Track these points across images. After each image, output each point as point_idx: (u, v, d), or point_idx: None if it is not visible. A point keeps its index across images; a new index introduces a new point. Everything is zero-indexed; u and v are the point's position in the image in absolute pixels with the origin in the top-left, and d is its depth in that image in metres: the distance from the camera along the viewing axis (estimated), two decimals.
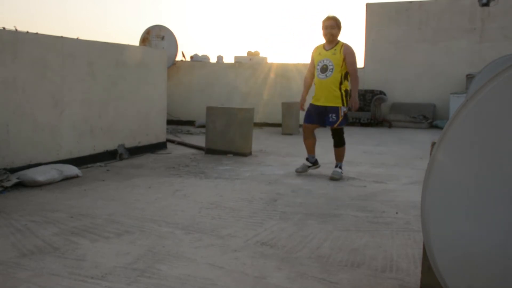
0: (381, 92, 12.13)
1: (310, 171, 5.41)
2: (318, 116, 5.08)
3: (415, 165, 5.98)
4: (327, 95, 4.98)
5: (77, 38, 5.39)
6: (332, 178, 5.00)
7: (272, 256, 2.71)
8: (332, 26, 4.96)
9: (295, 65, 10.81)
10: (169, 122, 9.22)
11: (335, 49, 4.98)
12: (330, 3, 26.91)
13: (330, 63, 4.96)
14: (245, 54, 12.13)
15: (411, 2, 12.57)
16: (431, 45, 12.37)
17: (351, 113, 11.84)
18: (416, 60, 12.50)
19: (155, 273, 2.42)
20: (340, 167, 5.14)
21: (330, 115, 4.98)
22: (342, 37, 6.28)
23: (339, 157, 5.17)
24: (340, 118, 4.98)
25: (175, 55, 11.37)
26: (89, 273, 2.41)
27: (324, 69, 4.98)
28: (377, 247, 2.90)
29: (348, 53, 4.94)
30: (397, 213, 3.70)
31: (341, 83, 4.95)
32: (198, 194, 4.23)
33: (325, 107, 5.00)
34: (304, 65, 10.94)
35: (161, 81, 6.82)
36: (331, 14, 5.04)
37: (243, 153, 6.45)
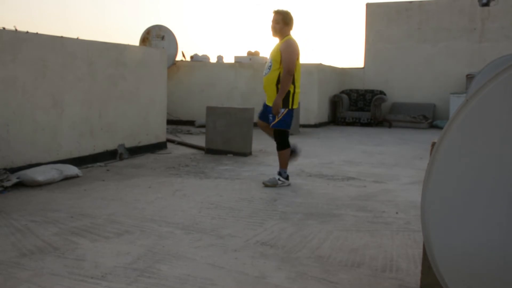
0: (381, 92, 12.13)
1: (309, 170, 5.40)
2: (264, 114, 4.81)
3: (415, 165, 5.98)
4: (268, 93, 4.67)
5: (77, 38, 5.39)
6: (264, 184, 4.62)
7: (272, 256, 2.71)
8: (276, 20, 4.57)
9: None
10: (169, 122, 9.22)
11: (277, 45, 4.60)
12: (331, 3, 26.90)
13: (270, 60, 4.61)
14: (245, 54, 12.13)
15: (411, 2, 12.57)
16: (431, 45, 12.37)
17: (351, 113, 11.86)
18: (416, 60, 12.50)
19: (155, 273, 2.42)
20: (280, 174, 4.64)
21: (269, 115, 4.63)
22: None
23: (281, 163, 4.68)
24: (277, 119, 4.55)
25: (175, 55, 11.36)
26: (89, 273, 2.41)
27: (266, 66, 4.67)
28: (377, 247, 2.90)
29: (283, 49, 4.48)
30: (397, 213, 3.70)
31: (278, 82, 4.53)
32: (198, 194, 4.23)
33: (267, 106, 4.70)
34: (304, 65, 10.96)
35: (161, 81, 6.82)
36: (280, 9, 4.62)
37: (243, 153, 6.45)
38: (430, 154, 1.78)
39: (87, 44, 5.45)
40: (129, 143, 6.13)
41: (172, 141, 7.62)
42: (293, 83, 4.57)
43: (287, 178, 4.67)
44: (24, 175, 4.34)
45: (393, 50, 12.74)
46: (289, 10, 4.65)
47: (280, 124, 4.59)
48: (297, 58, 4.55)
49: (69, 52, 5.17)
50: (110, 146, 5.83)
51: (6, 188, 4.13)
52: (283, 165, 4.67)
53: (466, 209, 1.61)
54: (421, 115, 11.56)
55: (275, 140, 4.70)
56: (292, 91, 4.57)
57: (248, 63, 11.45)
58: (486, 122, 1.57)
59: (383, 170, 5.62)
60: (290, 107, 4.60)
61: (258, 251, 2.80)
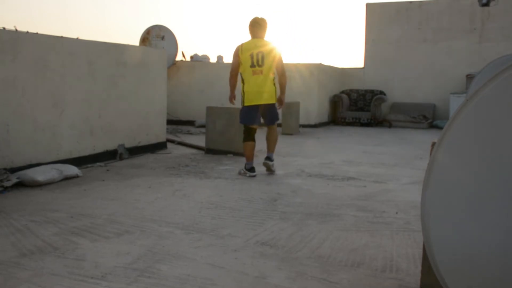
0: (381, 92, 12.13)
1: (309, 170, 5.40)
2: None
3: (415, 165, 5.98)
4: None
5: (77, 38, 5.39)
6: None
7: (272, 256, 2.71)
8: None
9: (295, 65, 10.81)
10: (169, 122, 9.22)
11: None
12: (331, 3, 26.92)
13: None
14: None
15: (411, 2, 12.57)
16: (431, 45, 12.37)
17: (351, 113, 11.86)
18: (416, 60, 12.49)
19: (155, 273, 2.42)
20: (245, 165, 5.16)
21: None
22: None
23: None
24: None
25: (175, 55, 11.36)
26: (89, 273, 2.41)
27: None
28: (377, 247, 2.90)
29: None
30: (397, 213, 3.70)
31: (242, 82, 5.15)
32: (198, 194, 4.23)
33: None
34: (305, 65, 10.96)
35: (161, 81, 6.82)
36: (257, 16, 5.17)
37: (243, 153, 6.44)
38: (430, 154, 1.78)
39: (87, 44, 5.45)
40: (129, 143, 6.13)
41: (172, 141, 7.62)
42: (243, 82, 5.09)
43: (250, 170, 5.06)
44: (24, 175, 4.34)
45: (393, 50, 12.73)
46: (257, 17, 5.12)
47: (239, 120, 5.24)
48: (243, 60, 4.99)
49: (69, 52, 5.17)
50: (110, 146, 5.83)
51: (6, 188, 4.13)
52: (246, 157, 5.16)
53: (466, 209, 1.61)
54: (421, 115, 11.56)
55: None
56: (243, 89, 5.09)
57: None
58: (486, 122, 1.57)
59: (383, 170, 5.62)
60: (243, 104, 5.10)
61: (258, 251, 2.80)
